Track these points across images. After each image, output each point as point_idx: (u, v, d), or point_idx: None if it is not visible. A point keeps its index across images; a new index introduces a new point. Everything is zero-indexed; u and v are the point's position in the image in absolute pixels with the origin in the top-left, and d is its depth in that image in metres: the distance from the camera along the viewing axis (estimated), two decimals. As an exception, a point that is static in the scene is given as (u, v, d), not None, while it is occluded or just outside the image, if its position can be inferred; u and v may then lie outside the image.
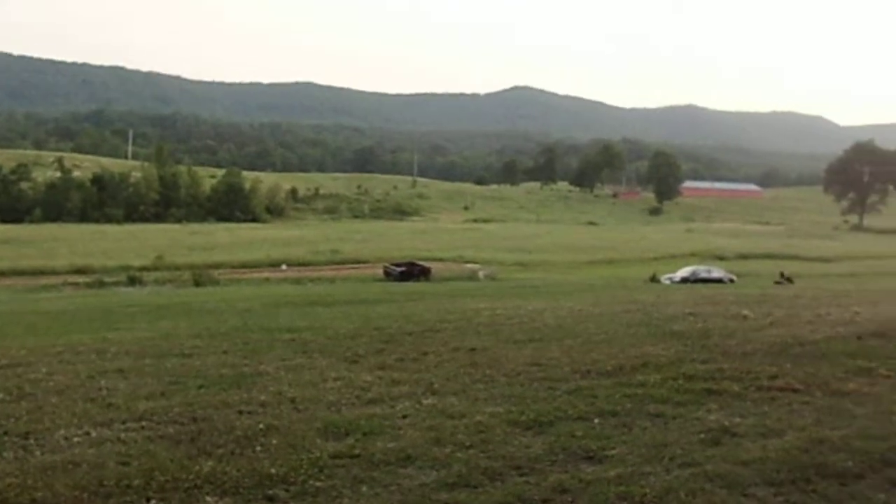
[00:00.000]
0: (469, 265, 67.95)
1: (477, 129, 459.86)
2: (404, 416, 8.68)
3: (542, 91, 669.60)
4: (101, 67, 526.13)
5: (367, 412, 8.87)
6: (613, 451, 7.43)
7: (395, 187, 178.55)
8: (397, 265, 58.94)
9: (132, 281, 54.00)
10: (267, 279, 57.19)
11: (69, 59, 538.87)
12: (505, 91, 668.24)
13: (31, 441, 7.71)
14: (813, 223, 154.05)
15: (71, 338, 15.51)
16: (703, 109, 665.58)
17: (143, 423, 8.36)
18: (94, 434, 7.96)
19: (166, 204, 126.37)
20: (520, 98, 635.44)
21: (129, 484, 6.43)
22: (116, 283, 53.00)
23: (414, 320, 17.83)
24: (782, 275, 52.80)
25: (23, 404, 9.25)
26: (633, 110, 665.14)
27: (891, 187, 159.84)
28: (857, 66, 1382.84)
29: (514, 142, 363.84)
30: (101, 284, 52.59)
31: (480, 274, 59.86)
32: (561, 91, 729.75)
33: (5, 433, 7.96)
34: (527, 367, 11.50)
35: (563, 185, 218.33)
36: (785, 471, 6.90)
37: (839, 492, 6.54)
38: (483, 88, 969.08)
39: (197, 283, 50.84)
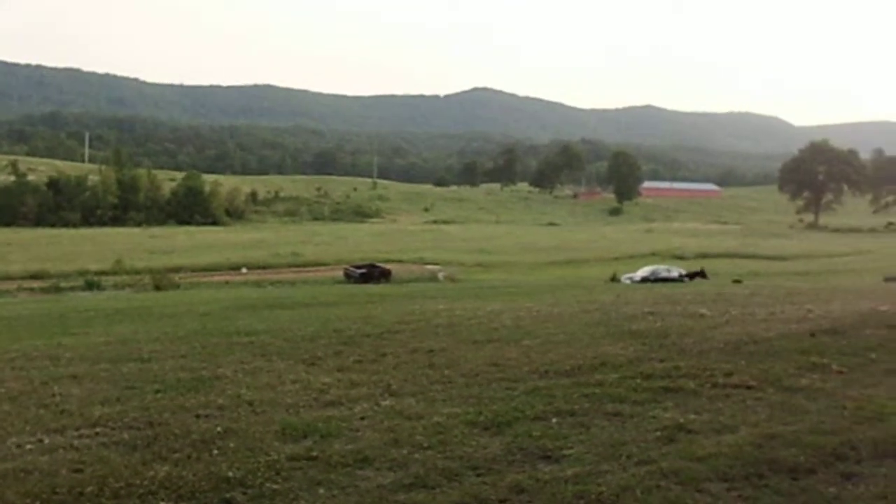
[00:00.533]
0: (429, 267, 67.87)
1: (437, 130, 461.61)
2: (362, 418, 8.68)
3: (501, 92, 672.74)
4: (55, 69, 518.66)
5: (325, 414, 8.85)
6: (571, 451, 7.48)
7: (355, 189, 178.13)
8: (357, 267, 58.77)
9: (90, 285, 53.23)
10: (227, 282, 56.63)
11: (23, 61, 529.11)
12: (465, 92, 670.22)
13: (-18, 449, 7.59)
14: (769, 222, 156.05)
15: (24, 343, 15.25)
16: (662, 110, 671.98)
17: (98, 430, 8.26)
18: (46, 441, 7.86)
19: (125, 207, 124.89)
20: (479, 99, 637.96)
21: (81, 491, 6.36)
22: (73, 288, 52.13)
23: (373, 322, 17.76)
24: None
25: (-26, 412, 9.10)
26: (592, 111, 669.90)
27: (845, 186, 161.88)
28: (812, 67, 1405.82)
29: (474, 143, 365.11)
30: (58, 289, 51.64)
31: (440, 275, 59.87)
32: (521, 92, 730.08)
33: (-45, 442, 7.83)
34: (485, 368, 11.52)
35: (522, 186, 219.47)
36: (738, 466, 6.99)
37: (791, 486, 6.63)
38: (443, 90, 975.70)
39: (157, 287, 50.23)
